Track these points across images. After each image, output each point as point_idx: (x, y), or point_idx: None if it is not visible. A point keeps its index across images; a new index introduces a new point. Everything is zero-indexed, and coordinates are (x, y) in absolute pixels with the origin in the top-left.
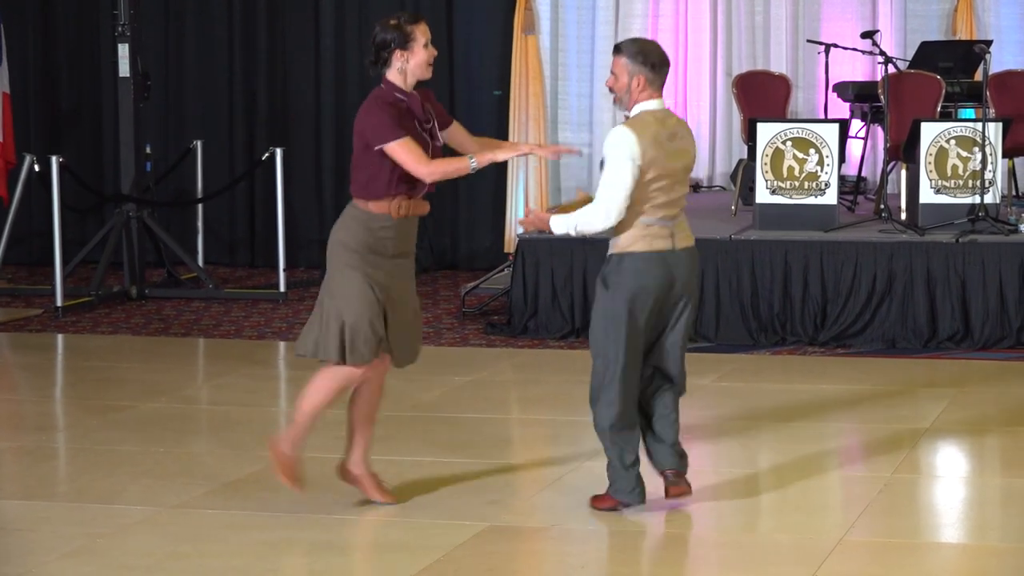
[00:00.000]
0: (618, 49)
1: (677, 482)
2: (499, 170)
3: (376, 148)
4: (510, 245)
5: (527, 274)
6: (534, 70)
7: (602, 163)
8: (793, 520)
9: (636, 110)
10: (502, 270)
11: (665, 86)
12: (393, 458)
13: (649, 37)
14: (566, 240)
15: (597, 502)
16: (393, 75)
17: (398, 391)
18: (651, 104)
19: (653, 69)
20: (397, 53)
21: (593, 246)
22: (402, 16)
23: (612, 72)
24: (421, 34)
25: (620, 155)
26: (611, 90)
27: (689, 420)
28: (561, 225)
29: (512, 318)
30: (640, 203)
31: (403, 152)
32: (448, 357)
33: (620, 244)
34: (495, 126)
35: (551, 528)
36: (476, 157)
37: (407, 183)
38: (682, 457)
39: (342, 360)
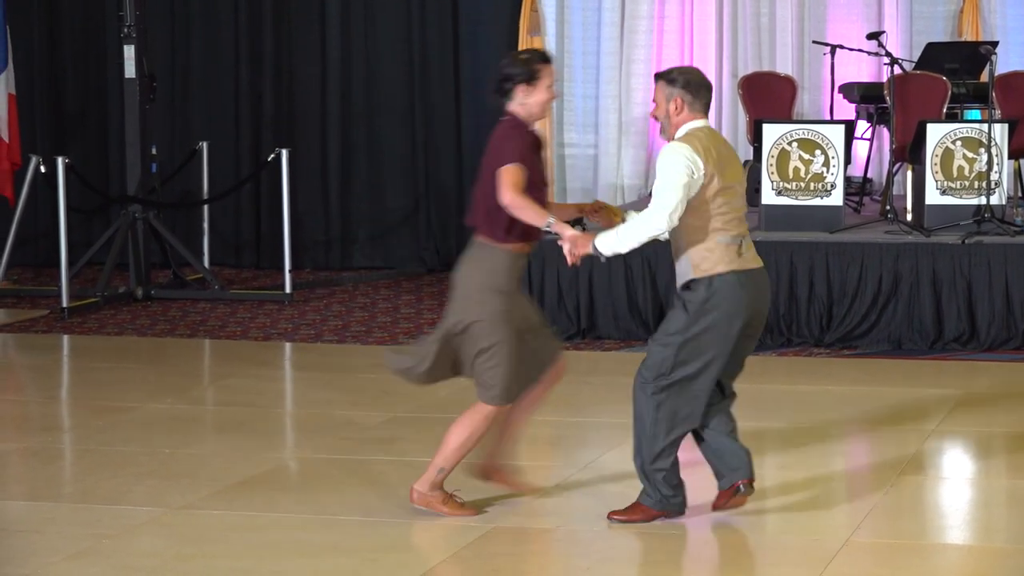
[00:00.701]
0: (656, 77)
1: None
2: None
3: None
4: None
5: (532, 275)
6: None
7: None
8: (799, 521)
9: (682, 131)
10: None
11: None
12: (399, 459)
13: (654, 39)
14: None
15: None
16: (515, 108)
17: (405, 392)
18: (696, 123)
19: (688, 88)
20: (521, 88)
21: None
22: (534, 53)
23: (653, 101)
24: (547, 75)
25: (674, 161)
26: (655, 119)
27: None
28: (611, 243)
29: None
30: (711, 220)
31: (510, 175)
32: None
33: (702, 267)
34: None
35: (556, 529)
36: (554, 222)
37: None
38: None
39: (502, 405)
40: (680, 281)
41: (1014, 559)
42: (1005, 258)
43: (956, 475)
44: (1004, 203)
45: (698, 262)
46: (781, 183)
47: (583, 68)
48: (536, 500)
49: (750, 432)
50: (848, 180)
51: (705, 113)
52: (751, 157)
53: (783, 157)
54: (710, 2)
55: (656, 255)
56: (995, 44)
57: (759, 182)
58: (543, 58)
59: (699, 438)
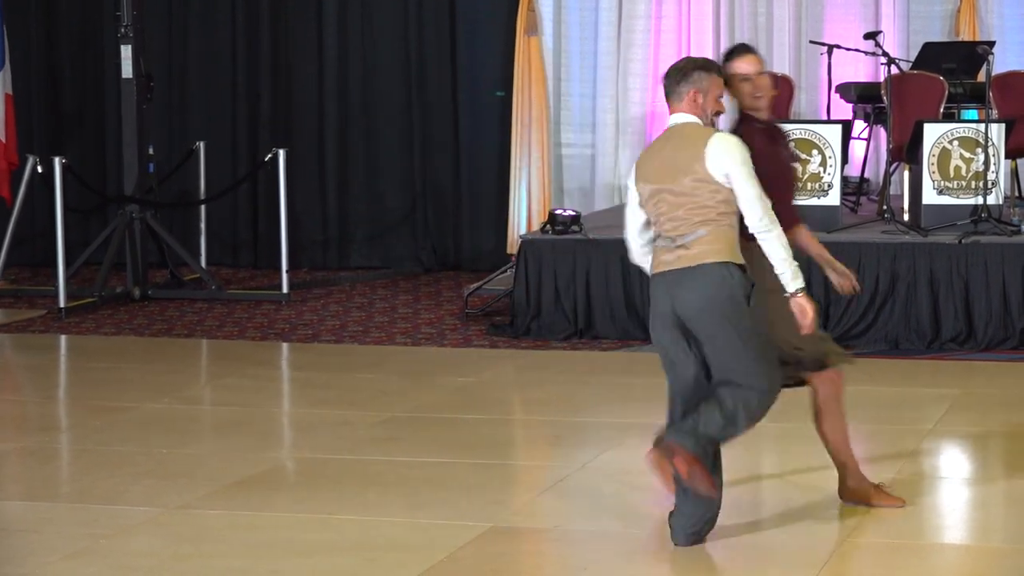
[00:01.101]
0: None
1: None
2: (503, 170)
3: None
4: (513, 246)
5: (530, 275)
6: (537, 71)
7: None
8: (796, 522)
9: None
10: (505, 271)
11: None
12: (396, 459)
13: (651, 38)
14: (568, 241)
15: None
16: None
17: (401, 392)
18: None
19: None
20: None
21: (597, 246)
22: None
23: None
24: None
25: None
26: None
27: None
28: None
29: (515, 319)
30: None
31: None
32: (451, 358)
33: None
34: (498, 128)
35: (553, 529)
36: None
37: None
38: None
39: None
40: None
41: (1011, 559)
42: (1002, 258)
43: (953, 475)
44: (1001, 203)
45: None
46: None
47: (580, 68)
48: (533, 500)
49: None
50: (845, 180)
51: (673, 104)
52: None
53: None
54: (707, 2)
55: None
56: (992, 44)
57: None
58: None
59: None
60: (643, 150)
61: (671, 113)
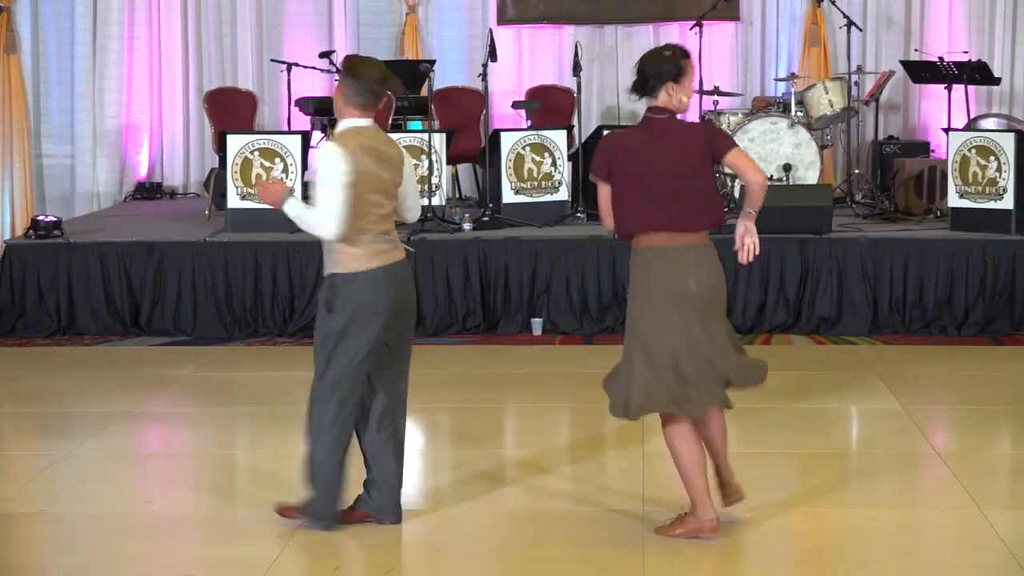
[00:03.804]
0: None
1: None
2: None
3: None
4: None
5: (15, 277)
6: (16, 86)
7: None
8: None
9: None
10: None
11: (138, 101)
12: None
13: (125, 57)
14: (51, 245)
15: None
16: (663, 103)
17: None
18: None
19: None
20: (670, 84)
21: (77, 249)
22: (676, 49)
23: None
24: (691, 70)
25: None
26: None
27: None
28: (295, 209)
29: (1, 319)
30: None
31: (747, 155)
32: None
33: (350, 265)
34: None
35: (42, 513)
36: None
37: None
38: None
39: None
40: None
41: (463, 520)
42: (447, 254)
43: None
44: (444, 203)
45: (346, 258)
46: (245, 188)
47: (58, 83)
48: (22, 486)
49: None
50: (306, 185)
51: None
52: (217, 165)
53: (246, 165)
54: (176, 21)
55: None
56: (433, 62)
57: (225, 188)
58: (686, 54)
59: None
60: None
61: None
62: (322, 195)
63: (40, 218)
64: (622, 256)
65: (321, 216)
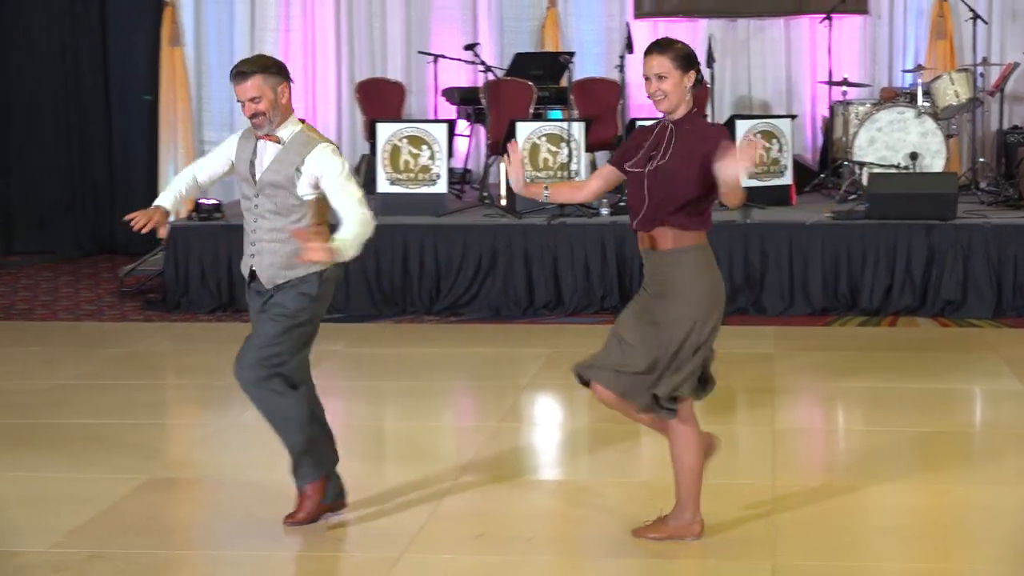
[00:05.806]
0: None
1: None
2: (151, 164)
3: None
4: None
5: (179, 257)
6: (180, 77)
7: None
8: (410, 467)
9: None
10: (156, 253)
11: (295, 92)
12: (62, 421)
13: (280, 48)
14: (212, 227)
15: None
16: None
17: (65, 362)
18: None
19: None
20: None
21: (235, 231)
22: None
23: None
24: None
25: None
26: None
27: (324, 383)
28: (348, 239)
29: (167, 296)
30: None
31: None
32: (110, 331)
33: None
34: (147, 127)
35: (204, 479)
36: (550, 188)
37: None
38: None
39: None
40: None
41: (596, 491)
42: (584, 236)
43: (546, 422)
44: None
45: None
46: (394, 174)
47: (219, 74)
48: (186, 453)
49: (365, 390)
50: (451, 171)
51: None
52: (368, 152)
53: (395, 152)
54: (329, 18)
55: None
56: (572, 54)
57: (375, 173)
58: (647, 52)
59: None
60: None
61: None
62: (350, 195)
63: (202, 201)
64: (755, 240)
65: (366, 219)
